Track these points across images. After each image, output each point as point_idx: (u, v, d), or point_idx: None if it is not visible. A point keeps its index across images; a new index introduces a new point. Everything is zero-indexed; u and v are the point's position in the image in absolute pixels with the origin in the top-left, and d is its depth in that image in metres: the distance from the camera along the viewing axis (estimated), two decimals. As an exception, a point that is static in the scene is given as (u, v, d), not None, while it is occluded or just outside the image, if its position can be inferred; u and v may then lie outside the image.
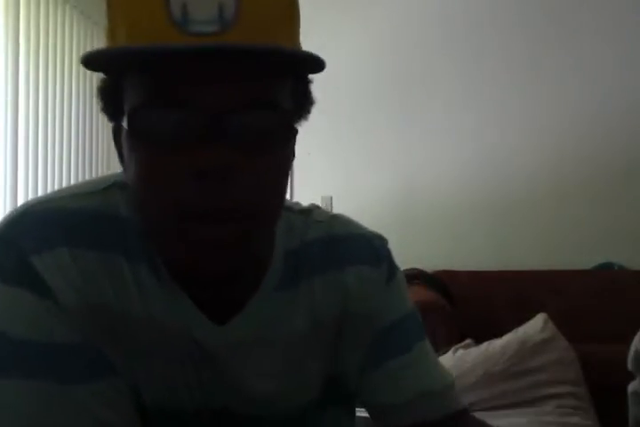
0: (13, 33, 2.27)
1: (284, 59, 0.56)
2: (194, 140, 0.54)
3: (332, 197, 2.97)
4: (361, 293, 0.73)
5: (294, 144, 0.65)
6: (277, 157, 0.59)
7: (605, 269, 2.64)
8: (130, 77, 0.58)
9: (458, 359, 1.93)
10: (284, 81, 0.60)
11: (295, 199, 0.79)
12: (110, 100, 0.61)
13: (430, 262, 2.54)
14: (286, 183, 0.62)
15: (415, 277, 2.23)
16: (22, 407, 0.57)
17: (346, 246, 0.73)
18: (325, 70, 0.63)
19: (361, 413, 0.81)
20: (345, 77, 2.82)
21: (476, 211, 2.81)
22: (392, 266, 0.77)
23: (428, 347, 0.78)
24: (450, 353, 1.98)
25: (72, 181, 2.65)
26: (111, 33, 0.58)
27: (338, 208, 2.67)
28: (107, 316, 0.62)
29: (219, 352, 0.67)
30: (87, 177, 2.78)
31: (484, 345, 2.00)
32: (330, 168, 3.00)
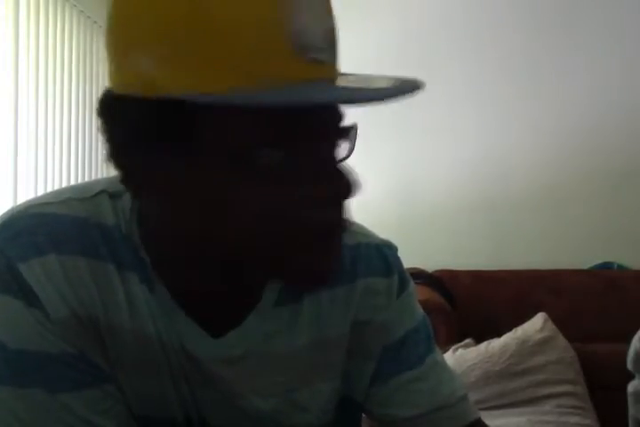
0: (13, 32, 2.27)
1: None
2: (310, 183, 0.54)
3: (331, 197, 2.97)
4: (371, 305, 0.70)
5: None
6: None
7: (605, 269, 2.64)
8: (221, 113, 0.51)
9: (458, 359, 1.93)
10: None
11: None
12: (169, 134, 0.52)
13: (430, 262, 2.55)
14: None
15: (415, 277, 2.23)
16: (13, 414, 0.57)
17: (355, 257, 0.69)
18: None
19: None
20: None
21: (476, 211, 2.81)
22: (403, 276, 0.73)
23: (440, 357, 0.75)
24: (450, 353, 1.98)
25: (72, 181, 2.64)
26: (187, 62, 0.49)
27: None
28: (94, 326, 0.60)
29: (212, 366, 0.64)
30: (87, 177, 2.78)
31: (484, 345, 2.00)
32: (330, 168, 3.00)
